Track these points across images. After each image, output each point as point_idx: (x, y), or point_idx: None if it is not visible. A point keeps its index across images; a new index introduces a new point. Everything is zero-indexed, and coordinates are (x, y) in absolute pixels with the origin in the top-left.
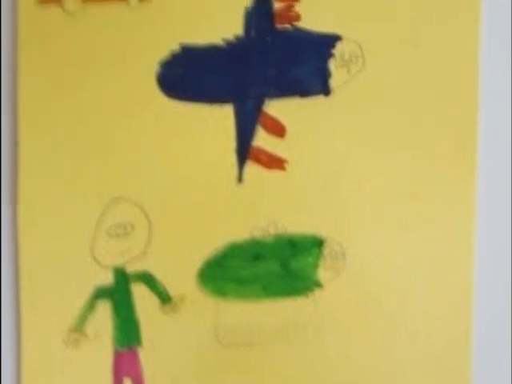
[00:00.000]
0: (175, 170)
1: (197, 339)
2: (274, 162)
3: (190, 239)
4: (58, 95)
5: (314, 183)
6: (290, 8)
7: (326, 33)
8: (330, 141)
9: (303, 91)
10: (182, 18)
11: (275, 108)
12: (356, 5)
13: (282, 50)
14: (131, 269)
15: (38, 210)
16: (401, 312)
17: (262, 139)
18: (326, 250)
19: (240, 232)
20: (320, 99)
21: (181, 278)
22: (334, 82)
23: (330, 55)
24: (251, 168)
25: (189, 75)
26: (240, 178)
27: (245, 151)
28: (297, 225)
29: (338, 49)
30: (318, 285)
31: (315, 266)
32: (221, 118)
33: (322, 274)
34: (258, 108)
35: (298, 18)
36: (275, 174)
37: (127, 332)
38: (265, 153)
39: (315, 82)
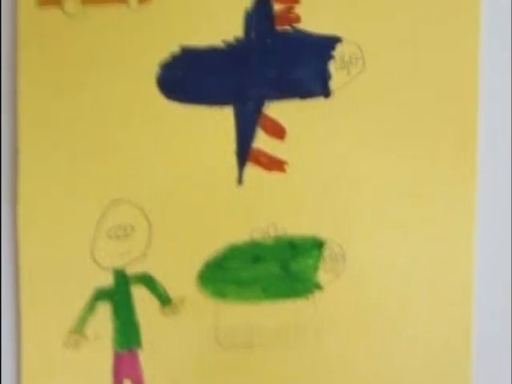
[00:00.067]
0: (175, 171)
1: (197, 341)
2: (274, 164)
3: (190, 241)
4: (58, 97)
5: (314, 185)
6: (289, 10)
7: (325, 34)
8: (330, 142)
9: (303, 93)
10: (182, 19)
11: (275, 110)
12: (356, 6)
13: (282, 52)
14: (131, 270)
15: (38, 211)
16: (401, 313)
17: (261, 141)
18: (326, 252)
19: (240, 234)
20: (320, 101)
21: (181, 279)
22: (334, 83)
23: (330, 57)
24: (251, 170)
25: (189, 77)
26: (240, 180)
27: (245, 153)
28: (297, 226)
29: (338, 50)
30: (318, 287)
31: (315, 267)
32: (221, 120)
33: (322, 276)
34: (257, 110)
35: (297, 19)
36: (275, 175)
37: (127, 334)
38: (265, 154)
39: (315, 84)
